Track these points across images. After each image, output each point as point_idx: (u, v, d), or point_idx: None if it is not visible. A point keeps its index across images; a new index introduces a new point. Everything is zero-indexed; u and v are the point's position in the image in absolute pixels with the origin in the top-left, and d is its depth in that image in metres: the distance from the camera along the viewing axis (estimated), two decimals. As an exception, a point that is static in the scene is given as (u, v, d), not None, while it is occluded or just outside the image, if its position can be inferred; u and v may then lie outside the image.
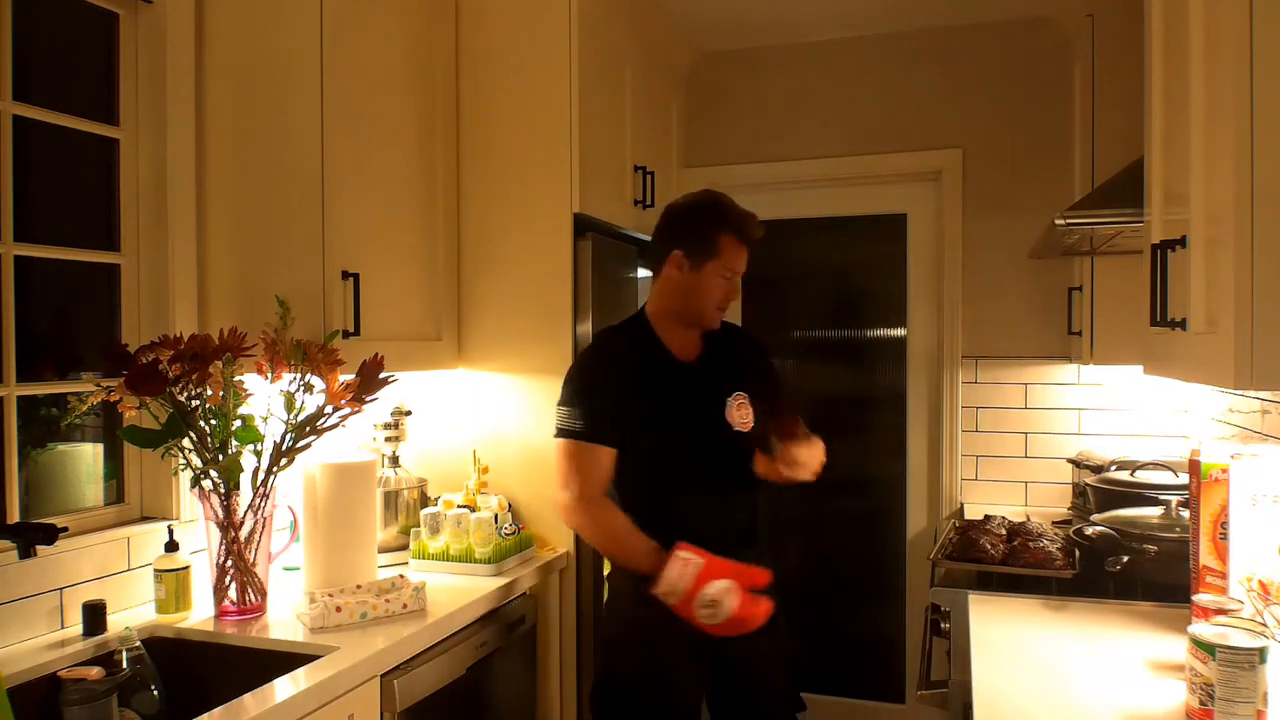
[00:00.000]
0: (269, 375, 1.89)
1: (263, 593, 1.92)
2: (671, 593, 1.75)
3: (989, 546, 2.16)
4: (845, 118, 3.38)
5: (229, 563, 1.87)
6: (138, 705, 1.62)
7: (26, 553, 1.49)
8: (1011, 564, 2.11)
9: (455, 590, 2.10)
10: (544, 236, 2.48)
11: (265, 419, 1.88)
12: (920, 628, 2.88)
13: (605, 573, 2.14)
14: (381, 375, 1.92)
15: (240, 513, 1.87)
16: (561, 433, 1.95)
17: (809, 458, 1.94)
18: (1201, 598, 1.53)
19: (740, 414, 2.03)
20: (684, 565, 1.74)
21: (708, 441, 2.00)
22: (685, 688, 1.97)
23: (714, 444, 2.01)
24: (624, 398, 1.94)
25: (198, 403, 1.81)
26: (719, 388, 2.04)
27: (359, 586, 1.98)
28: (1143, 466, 2.53)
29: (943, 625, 2.16)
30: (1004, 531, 2.32)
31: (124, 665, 1.63)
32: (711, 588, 1.73)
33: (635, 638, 1.96)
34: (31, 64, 1.84)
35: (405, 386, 2.48)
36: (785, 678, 2.09)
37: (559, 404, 1.97)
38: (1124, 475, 2.57)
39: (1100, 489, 2.54)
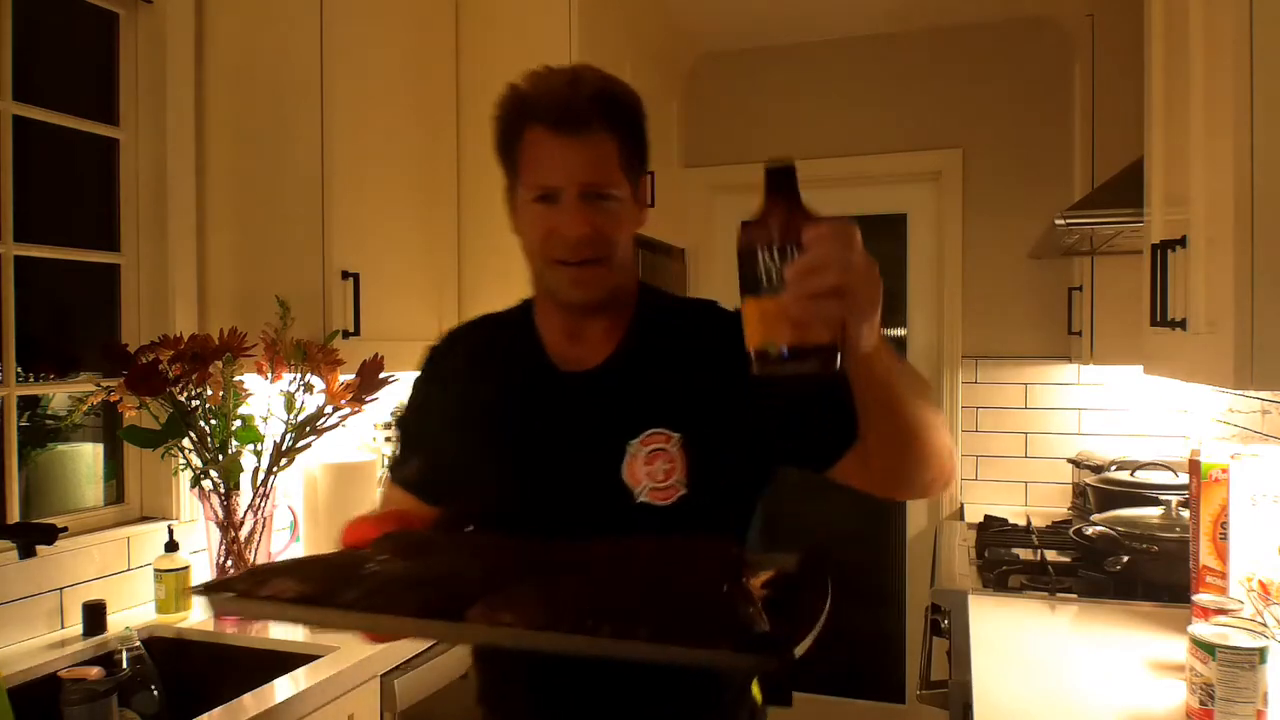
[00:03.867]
0: (269, 375, 1.88)
1: (263, 593, 1.91)
2: None
3: None
4: (845, 118, 3.37)
5: (229, 563, 1.87)
6: (138, 705, 1.62)
7: (26, 553, 1.49)
8: None
9: (455, 590, 2.10)
10: (544, 236, 2.47)
11: (265, 419, 1.89)
12: (920, 628, 2.88)
13: None
14: (381, 375, 1.92)
15: (240, 513, 1.87)
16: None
17: (830, 254, 0.84)
18: (1201, 598, 1.53)
19: (651, 471, 1.09)
20: None
21: (584, 519, 1.09)
22: None
23: (595, 523, 1.05)
24: (449, 429, 1.26)
25: (198, 403, 1.82)
26: (622, 421, 1.11)
27: (359, 586, 1.98)
28: (1143, 466, 2.53)
29: (943, 625, 2.16)
30: None
31: (124, 665, 1.63)
32: None
33: None
34: (31, 64, 1.84)
35: (405, 386, 2.48)
36: None
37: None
38: (1124, 475, 2.56)
39: (1100, 489, 2.54)
